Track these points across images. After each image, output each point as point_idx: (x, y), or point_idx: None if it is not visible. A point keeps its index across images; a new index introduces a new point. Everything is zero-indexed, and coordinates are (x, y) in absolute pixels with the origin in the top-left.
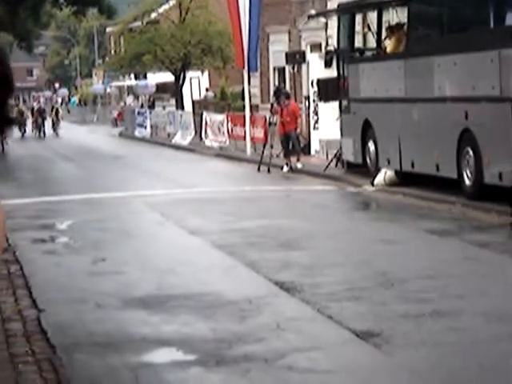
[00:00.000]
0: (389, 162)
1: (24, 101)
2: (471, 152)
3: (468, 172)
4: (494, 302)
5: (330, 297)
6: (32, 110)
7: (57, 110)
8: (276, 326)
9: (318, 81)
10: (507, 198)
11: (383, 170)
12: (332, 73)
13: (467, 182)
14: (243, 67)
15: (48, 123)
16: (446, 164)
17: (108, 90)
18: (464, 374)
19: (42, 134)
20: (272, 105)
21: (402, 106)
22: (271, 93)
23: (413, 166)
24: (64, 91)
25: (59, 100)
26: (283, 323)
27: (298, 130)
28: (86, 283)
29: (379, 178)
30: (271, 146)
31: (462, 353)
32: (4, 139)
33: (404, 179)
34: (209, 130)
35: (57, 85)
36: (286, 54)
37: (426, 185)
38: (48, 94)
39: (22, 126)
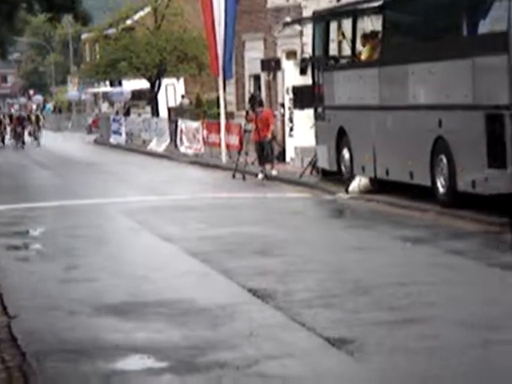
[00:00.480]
0: (363, 170)
1: None
2: (445, 160)
3: (441, 180)
4: (467, 310)
5: (302, 304)
6: (10, 117)
7: (37, 117)
8: (249, 333)
9: (294, 88)
10: (480, 205)
11: (358, 178)
12: (307, 80)
13: (441, 189)
14: (218, 74)
15: (26, 131)
16: (420, 172)
17: (83, 96)
18: (436, 381)
19: (20, 143)
20: (247, 112)
21: (376, 113)
22: (247, 100)
23: (387, 173)
24: (39, 98)
25: (34, 107)
26: (256, 330)
27: (271, 137)
28: (59, 290)
29: (354, 186)
30: (246, 154)
31: (434, 360)
32: None
33: (378, 187)
34: (184, 137)
35: (31, 92)
36: (262, 61)
37: (401, 192)
38: (23, 100)
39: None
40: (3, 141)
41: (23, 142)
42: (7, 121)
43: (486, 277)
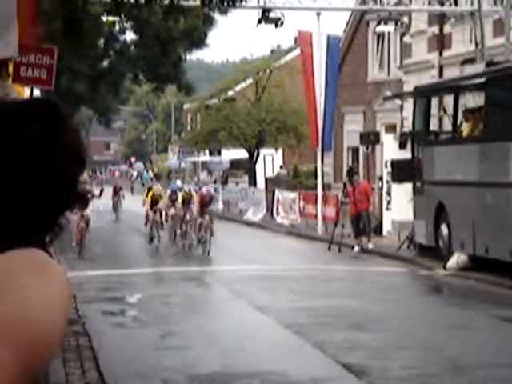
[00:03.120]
0: (462, 246)
1: (100, 172)
2: None
3: None
4: None
5: (398, 382)
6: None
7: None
8: None
9: (392, 162)
10: None
11: (456, 254)
12: (406, 154)
13: None
14: (317, 146)
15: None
16: None
17: (183, 164)
18: None
19: (117, 214)
20: (344, 184)
21: (476, 189)
22: (344, 172)
23: (487, 251)
24: (139, 165)
25: (134, 174)
26: None
27: (370, 210)
28: (153, 358)
29: (452, 262)
30: (342, 226)
31: None
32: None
33: (477, 264)
34: (280, 208)
35: (133, 159)
36: (361, 134)
37: (500, 270)
38: (124, 167)
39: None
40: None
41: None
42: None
43: None
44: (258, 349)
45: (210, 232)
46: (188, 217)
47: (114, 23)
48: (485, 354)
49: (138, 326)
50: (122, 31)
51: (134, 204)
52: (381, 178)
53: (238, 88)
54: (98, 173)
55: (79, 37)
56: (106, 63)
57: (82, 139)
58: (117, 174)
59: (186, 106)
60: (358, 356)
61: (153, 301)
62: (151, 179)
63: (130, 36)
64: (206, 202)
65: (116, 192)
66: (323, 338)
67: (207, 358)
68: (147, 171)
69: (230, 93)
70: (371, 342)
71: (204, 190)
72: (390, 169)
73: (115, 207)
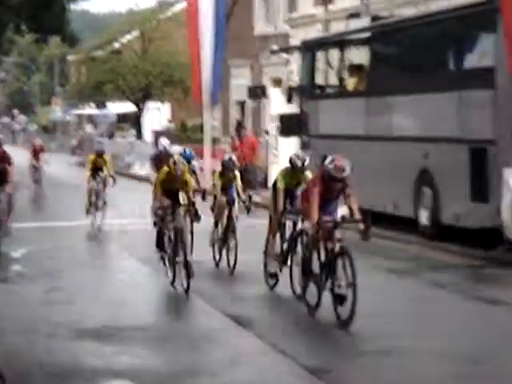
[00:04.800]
0: None
1: None
2: (429, 192)
3: (425, 212)
4: (446, 342)
5: (280, 331)
6: None
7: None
8: (229, 360)
9: (280, 116)
10: (464, 238)
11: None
12: (293, 108)
13: (424, 221)
14: (200, 101)
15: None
16: (404, 203)
17: (67, 118)
18: None
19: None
20: (232, 138)
21: (361, 143)
22: (232, 126)
23: (371, 204)
24: (23, 118)
25: (18, 127)
26: (237, 358)
27: (257, 164)
28: (38, 313)
29: None
30: None
31: None
32: None
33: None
34: None
35: (15, 111)
36: (248, 88)
37: (385, 223)
38: (6, 120)
39: None
40: None
41: None
42: None
43: (468, 310)
44: (146, 303)
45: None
46: None
47: None
48: (367, 304)
49: (22, 281)
50: None
51: (19, 156)
52: (268, 132)
53: (124, 40)
54: None
55: None
56: None
57: None
58: None
59: (70, 58)
60: (244, 307)
61: (38, 255)
62: (36, 132)
63: None
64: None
65: (36, 153)
66: (210, 290)
67: (92, 312)
68: (31, 124)
69: (116, 45)
70: (254, 293)
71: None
72: (277, 123)
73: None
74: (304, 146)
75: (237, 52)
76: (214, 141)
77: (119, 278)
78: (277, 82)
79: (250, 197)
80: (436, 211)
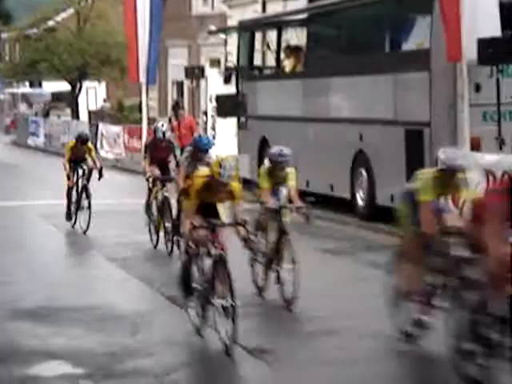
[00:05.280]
0: None
1: None
2: (364, 173)
3: (361, 193)
4: (383, 322)
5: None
6: None
7: None
8: (167, 340)
9: (218, 96)
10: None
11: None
12: (231, 89)
13: (360, 202)
14: (137, 80)
15: None
16: (340, 184)
17: (1, 96)
18: None
19: None
20: (170, 119)
21: (298, 124)
22: (169, 106)
23: (308, 184)
24: None
25: None
26: (174, 338)
27: None
28: None
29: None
30: None
31: (344, 371)
32: None
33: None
34: (104, 142)
35: None
36: (186, 69)
37: (321, 204)
38: None
39: None
40: None
41: None
42: None
43: None
44: (83, 283)
45: None
46: None
47: None
48: (305, 285)
49: None
50: None
51: None
52: (205, 113)
53: (58, 18)
54: None
55: None
56: None
57: None
58: None
59: (3, 36)
60: None
61: None
62: None
63: None
64: None
65: None
66: (149, 272)
67: (30, 292)
68: None
69: (51, 23)
70: None
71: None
72: (214, 103)
73: None
74: (241, 127)
75: (174, 32)
76: (153, 121)
77: (56, 260)
78: (214, 63)
79: None
80: (372, 192)
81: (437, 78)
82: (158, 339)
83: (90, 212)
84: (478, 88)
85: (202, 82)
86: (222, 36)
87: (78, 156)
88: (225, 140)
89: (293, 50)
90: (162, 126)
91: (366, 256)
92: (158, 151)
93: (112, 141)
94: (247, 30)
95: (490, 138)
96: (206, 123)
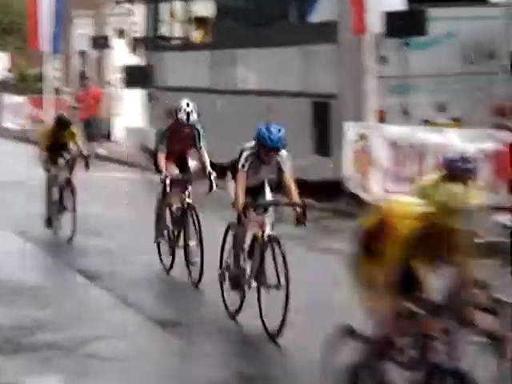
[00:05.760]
0: None
1: None
2: None
3: None
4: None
5: (130, 285)
6: None
7: None
8: (78, 313)
9: (125, 67)
10: (309, 191)
11: None
12: (139, 60)
13: None
14: (36, 47)
15: None
16: None
17: None
18: None
19: None
20: (78, 90)
21: (206, 96)
22: (74, 76)
23: (217, 158)
24: None
25: None
26: (86, 313)
27: (101, 115)
28: None
29: None
30: None
31: None
32: None
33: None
34: (7, 112)
35: None
36: (91, 38)
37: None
38: None
39: None
40: None
41: None
42: None
43: (310, 261)
44: None
45: None
46: None
47: None
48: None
49: None
50: None
51: None
52: (111, 83)
53: None
54: None
55: None
56: None
57: None
58: None
59: None
60: (93, 261)
61: None
62: None
63: None
64: None
65: None
66: (57, 245)
67: None
68: None
69: None
70: (106, 247)
71: None
72: (121, 74)
73: None
74: (150, 98)
75: (80, 1)
76: (57, 91)
77: None
78: (121, 33)
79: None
80: None
81: (344, 50)
82: (70, 313)
83: (74, 214)
84: (384, 61)
85: (109, 53)
86: (129, 6)
87: (59, 143)
88: (132, 112)
89: (201, 21)
90: (188, 105)
91: (280, 229)
92: (177, 140)
93: (15, 111)
94: (154, 0)
95: (396, 111)
96: (111, 94)
